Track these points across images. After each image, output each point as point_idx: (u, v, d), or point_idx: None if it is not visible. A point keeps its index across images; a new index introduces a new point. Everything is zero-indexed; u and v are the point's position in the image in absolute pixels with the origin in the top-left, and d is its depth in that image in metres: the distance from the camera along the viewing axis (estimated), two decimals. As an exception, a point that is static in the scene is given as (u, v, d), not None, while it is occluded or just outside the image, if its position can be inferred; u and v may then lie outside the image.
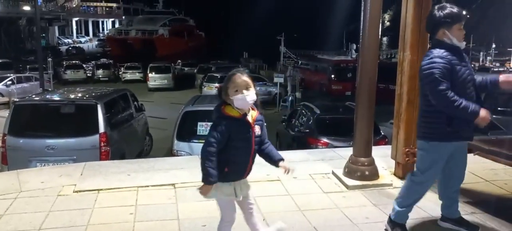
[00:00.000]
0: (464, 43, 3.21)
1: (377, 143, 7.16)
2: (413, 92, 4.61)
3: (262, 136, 2.95)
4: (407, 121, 4.66)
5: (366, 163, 4.74)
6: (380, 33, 4.75)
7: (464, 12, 3.21)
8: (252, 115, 2.89)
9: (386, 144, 7.63)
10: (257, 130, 2.89)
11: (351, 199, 4.37)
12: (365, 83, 4.71)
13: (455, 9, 3.15)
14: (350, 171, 4.79)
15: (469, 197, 4.27)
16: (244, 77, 2.83)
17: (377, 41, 4.73)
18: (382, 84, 7.65)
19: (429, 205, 3.85)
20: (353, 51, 30.80)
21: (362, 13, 4.62)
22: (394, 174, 4.94)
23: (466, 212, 3.91)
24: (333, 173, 5.05)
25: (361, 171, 4.71)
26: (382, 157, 5.27)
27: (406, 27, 4.60)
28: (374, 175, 4.74)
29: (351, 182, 4.67)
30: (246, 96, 2.78)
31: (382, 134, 8.54)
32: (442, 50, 3.12)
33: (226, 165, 2.82)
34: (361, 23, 4.62)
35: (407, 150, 4.69)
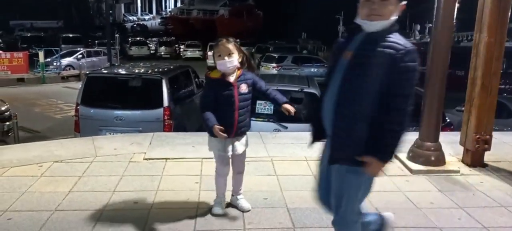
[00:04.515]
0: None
1: (442, 130, 6.87)
2: (488, 77, 4.40)
3: (259, 89, 3.30)
4: (479, 106, 4.46)
5: (432, 148, 4.59)
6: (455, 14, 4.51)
7: None
8: (237, 75, 3.20)
9: (451, 131, 7.30)
10: (243, 88, 3.19)
11: (415, 184, 4.27)
12: (437, 66, 4.52)
13: None
14: (414, 156, 4.66)
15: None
16: (227, 45, 3.15)
17: (451, 22, 4.50)
18: (448, 70, 7.27)
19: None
20: (417, 33, 29.35)
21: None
22: (462, 161, 4.76)
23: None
24: (396, 156, 4.93)
25: (426, 156, 4.57)
26: (449, 143, 5.08)
27: (484, 7, 4.36)
28: (441, 160, 4.58)
29: (415, 166, 4.56)
30: (227, 62, 3.12)
31: (448, 120, 8.18)
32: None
33: (216, 122, 3.19)
34: (436, 3, 4.41)
35: (478, 136, 4.50)
